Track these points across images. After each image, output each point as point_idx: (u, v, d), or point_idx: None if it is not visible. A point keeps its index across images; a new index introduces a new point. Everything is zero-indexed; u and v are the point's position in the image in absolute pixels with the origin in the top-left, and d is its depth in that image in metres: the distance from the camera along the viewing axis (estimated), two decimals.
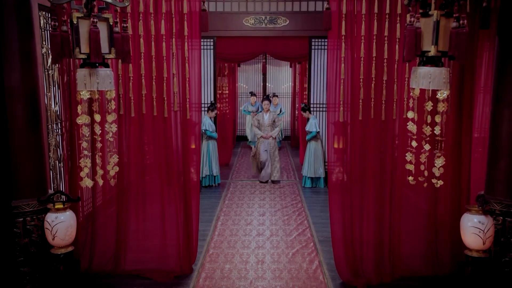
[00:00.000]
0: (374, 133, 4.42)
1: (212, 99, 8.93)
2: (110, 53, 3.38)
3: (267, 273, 4.74)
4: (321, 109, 8.93)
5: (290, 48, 9.98)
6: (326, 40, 8.48)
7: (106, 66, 3.48)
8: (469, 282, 4.01)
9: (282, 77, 14.96)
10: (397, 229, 4.63)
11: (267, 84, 14.70)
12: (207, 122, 8.52)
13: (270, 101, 9.09)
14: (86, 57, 3.29)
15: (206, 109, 8.67)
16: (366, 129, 4.43)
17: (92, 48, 3.20)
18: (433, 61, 3.40)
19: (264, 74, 14.56)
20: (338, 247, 4.60)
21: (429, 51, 3.33)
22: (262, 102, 9.25)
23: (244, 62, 13.83)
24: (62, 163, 4.88)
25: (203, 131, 8.45)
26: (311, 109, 8.81)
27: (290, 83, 14.52)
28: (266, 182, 8.89)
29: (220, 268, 4.86)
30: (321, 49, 8.77)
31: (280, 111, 11.89)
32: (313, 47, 8.76)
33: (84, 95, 3.39)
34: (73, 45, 3.29)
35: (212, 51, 8.79)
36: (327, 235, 5.66)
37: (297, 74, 13.80)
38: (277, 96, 12.63)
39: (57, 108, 4.90)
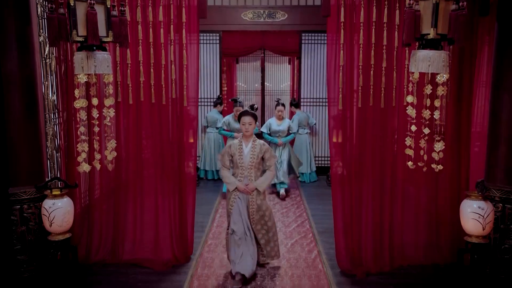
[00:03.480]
0: (373, 121, 4.40)
1: (219, 94, 8.91)
2: (107, 36, 3.36)
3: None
4: (312, 103, 8.94)
5: (288, 42, 9.95)
6: (318, 34, 8.63)
7: (104, 50, 3.46)
8: (468, 270, 4.00)
9: (281, 76, 14.92)
10: (396, 219, 4.61)
11: (265, 83, 14.61)
12: (221, 121, 8.11)
13: (255, 118, 4.51)
14: (83, 39, 3.27)
15: (213, 103, 8.64)
16: (365, 117, 4.41)
17: (90, 30, 3.19)
18: (433, 45, 3.39)
19: (263, 72, 14.50)
20: (339, 237, 4.58)
21: (428, 34, 3.32)
22: (239, 118, 4.55)
23: (243, 60, 13.81)
24: (59, 153, 4.86)
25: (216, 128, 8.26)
26: (301, 103, 8.79)
27: (289, 82, 14.49)
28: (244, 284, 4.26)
29: (219, 257, 4.83)
30: (312, 43, 8.79)
31: (288, 131, 7.61)
32: (303, 41, 8.77)
33: (82, 78, 3.37)
34: (70, 28, 3.27)
35: (218, 45, 8.79)
36: (326, 226, 5.69)
37: (295, 71, 13.78)
38: (283, 104, 7.67)
39: (54, 97, 4.87)
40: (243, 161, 4.41)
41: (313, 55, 8.81)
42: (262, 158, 4.46)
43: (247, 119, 4.41)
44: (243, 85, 14.73)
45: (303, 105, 8.93)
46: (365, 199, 4.56)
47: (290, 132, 7.64)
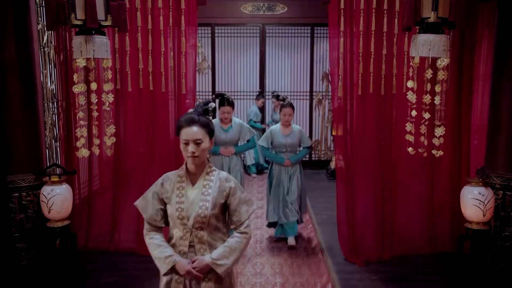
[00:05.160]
0: (373, 109, 4.39)
1: (259, 88, 8.91)
2: (106, 20, 3.34)
3: (265, 251, 4.71)
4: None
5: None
6: (278, 27, 8.72)
7: (103, 34, 3.44)
8: (468, 258, 3.99)
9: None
10: (396, 208, 4.60)
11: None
12: (253, 112, 8.34)
13: (208, 128, 2.27)
14: (81, 23, 3.25)
15: (254, 97, 8.72)
16: (365, 105, 4.39)
17: (88, 13, 3.16)
18: (433, 29, 3.37)
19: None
20: (341, 227, 4.58)
21: (429, 18, 3.30)
22: (178, 129, 2.27)
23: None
24: (58, 143, 4.84)
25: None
26: (267, 97, 8.82)
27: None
28: None
29: None
30: (274, 36, 8.84)
31: (300, 145, 5.04)
32: (267, 34, 8.79)
33: (80, 62, 3.35)
34: (68, 11, 3.25)
35: (258, 38, 8.78)
36: (325, 218, 5.70)
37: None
38: (291, 105, 4.98)
39: (53, 86, 4.85)
40: (187, 213, 2.23)
41: (277, 47, 8.93)
42: (226, 207, 2.32)
43: (193, 131, 2.21)
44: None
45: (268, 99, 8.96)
46: (365, 189, 4.55)
47: (303, 146, 5.04)
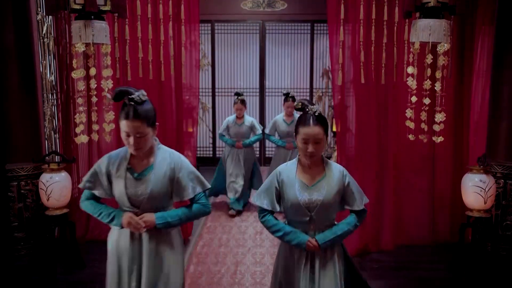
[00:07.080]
0: (373, 98, 4.37)
1: (258, 85, 8.77)
2: (105, 5, 3.33)
3: (265, 242, 4.68)
4: (276, 93, 8.89)
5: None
6: (278, 24, 8.64)
7: (102, 20, 3.43)
8: (470, 247, 3.97)
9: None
10: (396, 199, 4.58)
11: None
12: (225, 121, 6.01)
13: None
14: (80, 7, 3.24)
15: (254, 95, 8.60)
16: (367, 94, 4.37)
17: None
18: (433, 14, 3.37)
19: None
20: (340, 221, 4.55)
21: (429, 2, 3.30)
22: None
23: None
24: (57, 134, 4.82)
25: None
26: (266, 94, 8.72)
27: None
28: None
29: (218, 238, 4.80)
30: (273, 33, 8.76)
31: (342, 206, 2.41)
32: (267, 31, 8.75)
33: (79, 47, 3.33)
34: None
35: (258, 35, 8.71)
36: None
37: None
38: (305, 109, 2.30)
39: (52, 77, 4.84)
40: None
41: (277, 44, 8.87)
42: None
43: None
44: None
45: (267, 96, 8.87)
46: (365, 180, 4.52)
47: (348, 207, 2.41)
